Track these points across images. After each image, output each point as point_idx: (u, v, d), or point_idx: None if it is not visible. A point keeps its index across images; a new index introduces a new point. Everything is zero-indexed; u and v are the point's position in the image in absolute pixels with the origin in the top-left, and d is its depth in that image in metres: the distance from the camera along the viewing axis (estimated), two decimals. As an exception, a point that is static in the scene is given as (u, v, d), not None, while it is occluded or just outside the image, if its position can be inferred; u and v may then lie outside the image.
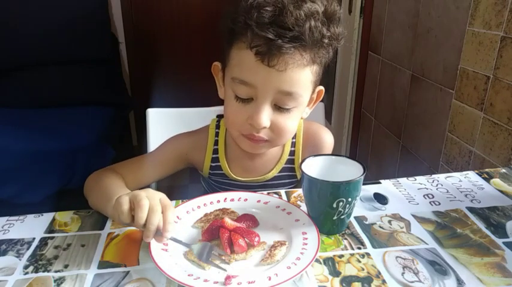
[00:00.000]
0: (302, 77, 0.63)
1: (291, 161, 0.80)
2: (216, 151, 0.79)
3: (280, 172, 0.80)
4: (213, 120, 0.82)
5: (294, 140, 0.80)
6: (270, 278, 0.50)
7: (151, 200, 0.53)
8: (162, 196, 0.55)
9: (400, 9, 1.49)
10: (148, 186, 1.08)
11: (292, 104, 0.65)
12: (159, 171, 0.79)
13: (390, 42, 1.59)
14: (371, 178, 0.74)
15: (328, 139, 0.81)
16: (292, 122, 0.68)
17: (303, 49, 0.60)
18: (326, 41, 0.62)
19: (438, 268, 0.55)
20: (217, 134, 0.80)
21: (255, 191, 0.71)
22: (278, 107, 0.65)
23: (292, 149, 0.80)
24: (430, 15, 1.29)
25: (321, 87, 0.73)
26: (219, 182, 0.83)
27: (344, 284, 0.52)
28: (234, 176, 0.80)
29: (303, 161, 0.62)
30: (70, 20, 2.18)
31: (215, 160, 0.79)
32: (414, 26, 1.38)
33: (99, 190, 0.69)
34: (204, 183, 0.90)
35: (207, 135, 0.80)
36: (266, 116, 0.64)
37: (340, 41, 0.65)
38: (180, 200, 0.70)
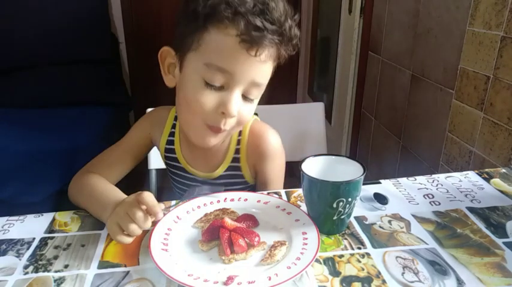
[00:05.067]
0: (269, 70, 0.66)
1: (236, 159, 0.78)
2: (172, 134, 0.79)
3: (226, 170, 0.78)
4: (173, 112, 0.82)
5: (239, 137, 0.78)
6: (270, 278, 0.50)
7: (132, 215, 0.57)
8: (134, 198, 0.58)
9: (400, 9, 1.49)
10: (148, 185, 1.08)
11: (257, 95, 0.68)
12: (131, 157, 0.79)
13: (390, 42, 1.59)
14: (371, 177, 0.74)
15: (272, 141, 0.78)
16: (251, 113, 0.69)
17: (279, 44, 0.62)
18: (295, 42, 0.64)
19: (438, 268, 0.55)
20: (175, 119, 0.80)
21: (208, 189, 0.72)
22: (245, 97, 0.66)
23: (238, 147, 0.78)
24: (430, 15, 1.28)
25: None
26: (173, 167, 0.82)
27: (344, 284, 0.52)
28: (185, 163, 0.79)
29: (302, 161, 0.63)
30: (70, 20, 2.18)
31: (171, 142, 0.80)
32: (414, 26, 1.38)
33: (87, 198, 0.69)
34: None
35: (168, 114, 0.81)
36: (238, 105, 0.64)
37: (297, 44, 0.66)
38: (180, 201, 0.70)
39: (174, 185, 0.87)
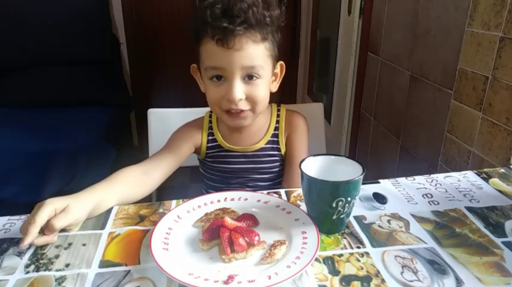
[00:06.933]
0: (257, 51, 0.76)
1: (275, 135, 0.93)
2: (211, 128, 0.93)
3: (267, 143, 0.92)
4: (207, 111, 0.96)
5: (278, 119, 0.93)
6: (270, 277, 0.51)
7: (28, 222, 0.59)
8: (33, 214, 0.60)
9: (399, 10, 1.50)
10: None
11: (261, 74, 0.78)
12: (176, 158, 0.87)
13: (389, 43, 1.59)
14: (370, 177, 0.74)
15: (302, 117, 0.95)
16: (262, 91, 0.80)
17: (252, 29, 0.74)
18: (268, 19, 0.76)
19: (437, 267, 0.55)
20: (210, 116, 0.94)
21: (247, 163, 0.89)
22: (247, 81, 0.78)
23: (277, 125, 0.93)
24: (429, 16, 1.29)
25: (281, 62, 0.86)
26: (215, 156, 0.93)
27: (343, 283, 0.52)
28: (227, 144, 0.91)
29: (302, 160, 0.63)
30: (71, 21, 2.18)
31: (211, 134, 0.93)
32: (413, 27, 1.39)
33: None
34: (201, 168, 0.98)
35: (203, 120, 0.95)
36: (239, 90, 0.77)
37: (281, 20, 0.80)
38: (181, 200, 0.70)
39: (208, 178, 0.96)
